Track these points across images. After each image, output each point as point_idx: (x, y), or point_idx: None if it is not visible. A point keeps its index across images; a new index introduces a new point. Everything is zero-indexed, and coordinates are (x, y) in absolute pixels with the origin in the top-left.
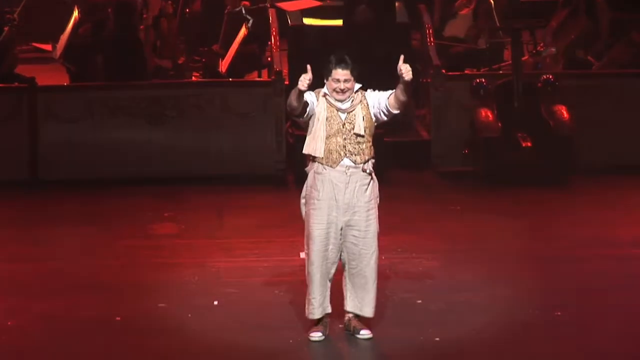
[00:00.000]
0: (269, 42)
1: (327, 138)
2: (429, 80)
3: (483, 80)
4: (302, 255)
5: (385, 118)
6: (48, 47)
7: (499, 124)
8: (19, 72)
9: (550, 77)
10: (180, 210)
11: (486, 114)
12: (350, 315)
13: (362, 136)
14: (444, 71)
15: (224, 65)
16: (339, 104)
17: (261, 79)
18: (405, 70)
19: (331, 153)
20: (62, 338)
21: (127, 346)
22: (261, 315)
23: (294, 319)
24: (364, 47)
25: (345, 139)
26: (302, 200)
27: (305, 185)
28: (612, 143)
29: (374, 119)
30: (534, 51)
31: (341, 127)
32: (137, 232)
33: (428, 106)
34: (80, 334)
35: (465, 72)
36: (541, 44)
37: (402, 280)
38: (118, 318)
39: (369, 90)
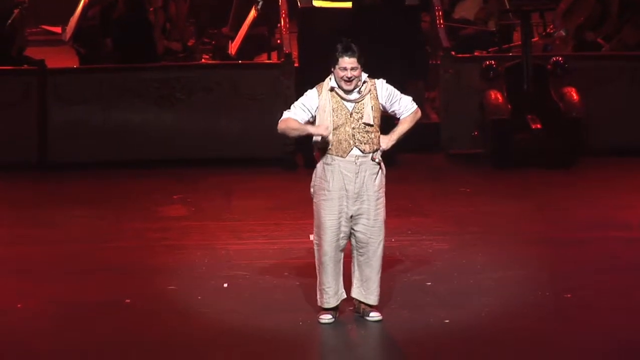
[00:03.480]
0: (279, 24)
1: (335, 129)
2: (438, 63)
3: (493, 62)
4: (312, 237)
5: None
6: (58, 29)
7: (509, 106)
8: (29, 55)
9: (560, 59)
10: (189, 192)
11: (496, 96)
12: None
13: (371, 125)
14: (453, 53)
15: (233, 47)
16: (345, 95)
17: (271, 61)
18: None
19: (341, 143)
20: (72, 320)
21: (137, 328)
22: (271, 298)
23: (304, 301)
24: (373, 29)
25: (354, 128)
26: (312, 190)
27: (314, 176)
28: (622, 125)
29: (382, 109)
30: (544, 33)
31: (349, 116)
32: (147, 215)
33: (437, 89)
34: (89, 317)
35: (475, 54)
36: (551, 26)
37: (411, 262)
38: (127, 300)
39: (381, 81)
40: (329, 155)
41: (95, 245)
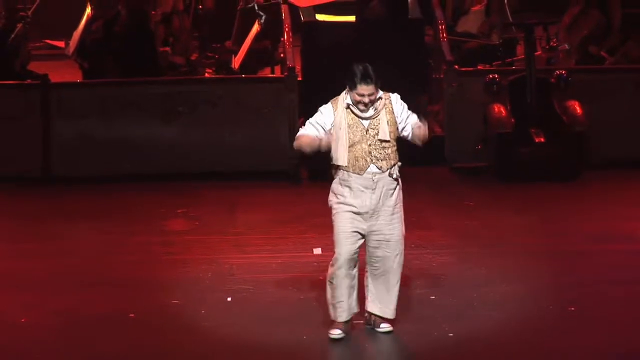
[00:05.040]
0: (282, 38)
1: (351, 146)
2: (441, 76)
3: (496, 75)
4: (316, 251)
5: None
6: (61, 43)
7: (512, 120)
8: (32, 69)
9: (564, 72)
10: (193, 206)
11: (499, 109)
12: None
13: (388, 141)
14: (456, 67)
15: (236, 61)
16: (360, 113)
17: (274, 75)
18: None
19: (357, 160)
20: (76, 334)
21: (141, 343)
22: (275, 312)
23: (308, 315)
24: (376, 43)
25: (370, 144)
26: (330, 204)
27: (330, 191)
28: (625, 138)
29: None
30: (547, 47)
31: (364, 133)
32: (151, 229)
33: (441, 102)
34: (93, 331)
35: (478, 67)
36: (554, 40)
37: (416, 276)
38: (132, 314)
39: (396, 95)
40: (345, 172)
41: (99, 259)
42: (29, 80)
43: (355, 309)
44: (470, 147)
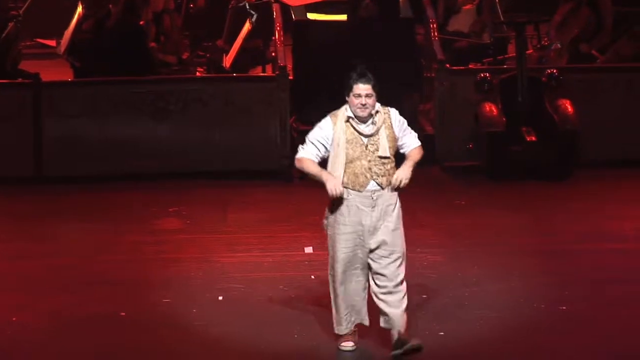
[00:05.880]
0: (273, 37)
1: (350, 162)
2: (433, 75)
3: (487, 74)
4: (307, 250)
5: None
6: (52, 42)
7: (504, 119)
8: (23, 68)
9: (555, 71)
10: (184, 205)
11: (490, 108)
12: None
13: (387, 157)
14: (448, 66)
15: (228, 60)
16: (361, 128)
17: (265, 74)
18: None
19: (357, 177)
20: (67, 334)
21: (132, 341)
22: (266, 310)
23: (299, 314)
24: (367, 42)
25: (370, 160)
26: (324, 221)
27: (327, 208)
28: (616, 137)
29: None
30: (539, 45)
31: (364, 149)
32: (142, 228)
33: (432, 101)
34: (85, 330)
35: (470, 66)
36: (545, 38)
37: (406, 275)
38: (123, 313)
39: (394, 110)
40: (344, 189)
41: (91, 258)
42: (20, 80)
43: (365, 322)
44: (462, 146)
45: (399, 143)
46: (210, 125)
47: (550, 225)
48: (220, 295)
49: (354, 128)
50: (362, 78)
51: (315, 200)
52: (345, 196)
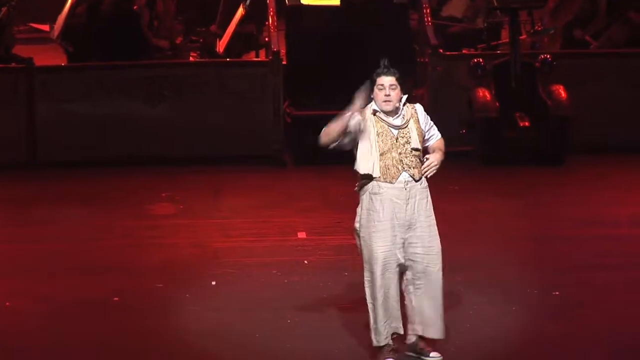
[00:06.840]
0: (267, 22)
1: (381, 154)
2: (426, 60)
3: (481, 60)
4: (300, 235)
5: None
6: (46, 27)
7: (497, 104)
8: (17, 53)
9: (548, 56)
10: (177, 190)
11: (484, 93)
12: (415, 336)
13: (418, 150)
14: (441, 51)
15: (221, 45)
16: (390, 120)
17: (258, 59)
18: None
19: (389, 169)
20: (60, 318)
21: (126, 326)
22: (259, 295)
23: (292, 299)
24: (361, 27)
25: (400, 153)
26: (356, 225)
27: (359, 210)
28: (609, 122)
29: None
30: (532, 31)
31: (394, 141)
32: (135, 213)
33: (426, 86)
34: (78, 315)
35: (463, 52)
36: (539, 24)
37: None
38: (116, 298)
39: (419, 105)
40: (375, 184)
41: (84, 243)
42: (13, 64)
43: (399, 331)
44: (455, 131)
45: (426, 137)
46: (204, 110)
47: (543, 210)
48: (213, 280)
49: (384, 121)
50: (384, 70)
51: (309, 186)
52: (376, 191)
